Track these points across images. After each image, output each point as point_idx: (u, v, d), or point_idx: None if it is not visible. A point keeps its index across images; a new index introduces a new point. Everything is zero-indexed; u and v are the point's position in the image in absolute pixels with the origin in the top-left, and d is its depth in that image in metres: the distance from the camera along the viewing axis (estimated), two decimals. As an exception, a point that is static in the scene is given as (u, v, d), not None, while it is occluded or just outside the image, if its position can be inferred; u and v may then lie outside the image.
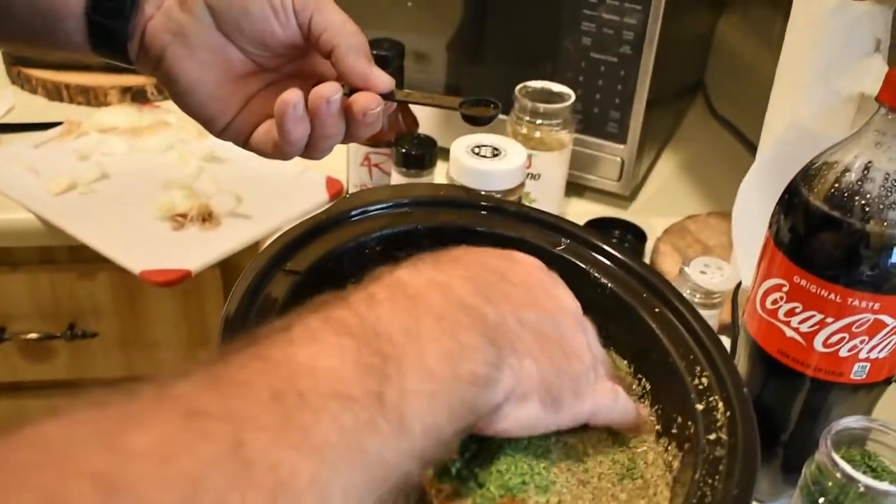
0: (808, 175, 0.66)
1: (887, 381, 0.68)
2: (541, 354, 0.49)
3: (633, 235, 1.08)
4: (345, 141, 0.62)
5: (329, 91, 0.57)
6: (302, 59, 0.63)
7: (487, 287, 0.49)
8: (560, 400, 0.50)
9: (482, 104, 0.60)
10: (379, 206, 0.69)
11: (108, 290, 1.18)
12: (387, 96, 0.59)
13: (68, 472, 0.30)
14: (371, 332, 0.42)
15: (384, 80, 0.60)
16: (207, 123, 0.63)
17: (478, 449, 0.52)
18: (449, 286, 0.47)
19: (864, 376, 0.66)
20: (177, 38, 0.59)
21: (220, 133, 0.63)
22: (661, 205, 1.21)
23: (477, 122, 0.61)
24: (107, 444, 0.31)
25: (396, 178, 1.02)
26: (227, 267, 1.12)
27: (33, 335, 1.19)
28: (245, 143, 0.64)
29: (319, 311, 0.43)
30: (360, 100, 0.58)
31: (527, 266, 0.55)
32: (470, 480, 0.50)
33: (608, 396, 0.54)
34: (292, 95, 0.57)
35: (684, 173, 1.30)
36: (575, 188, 1.17)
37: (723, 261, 0.86)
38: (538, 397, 0.49)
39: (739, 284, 0.89)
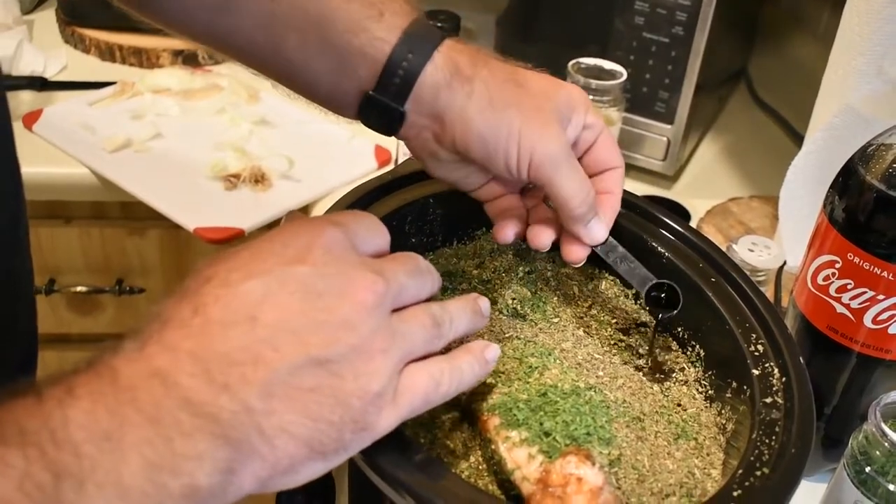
0: (865, 155, 0.67)
1: (932, 361, 0.70)
2: (301, 420, 0.41)
3: (676, 215, 1.09)
4: None
5: (542, 243, 0.63)
6: None
7: (226, 365, 0.40)
8: (344, 446, 0.43)
9: (666, 291, 0.62)
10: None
11: (156, 247, 1.20)
12: (600, 245, 0.62)
13: None
14: (51, 442, 0.36)
15: (596, 240, 0.62)
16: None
17: (543, 402, 0.54)
18: (174, 378, 0.39)
19: (912, 354, 0.68)
20: (431, 157, 0.63)
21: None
22: (703, 187, 1.23)
23: (657, 313, 0.63)
24: None
25: (447, 148, 1.04)
26: (276, 229, 1.14)
27: (82, 288, 1.22)
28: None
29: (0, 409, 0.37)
30: (571, 254, 0.62)
31: (298, 273, 0.44)
32: (536, 429, 0.51)
33: (420, 393, 0.46)
34: (506, 234, 0.64)
35: (726, 157, 1.31)
36: (620, 166, 1.19)
37: (770, 240, 0.88)
38: (311, 459, 0.43)
39: (784, 264, 0.91)
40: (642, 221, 0.69)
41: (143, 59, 1.39)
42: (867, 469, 0.63)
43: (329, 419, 0.42)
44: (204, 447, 0.39)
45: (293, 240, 0.45)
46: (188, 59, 1.38)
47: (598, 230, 0.61)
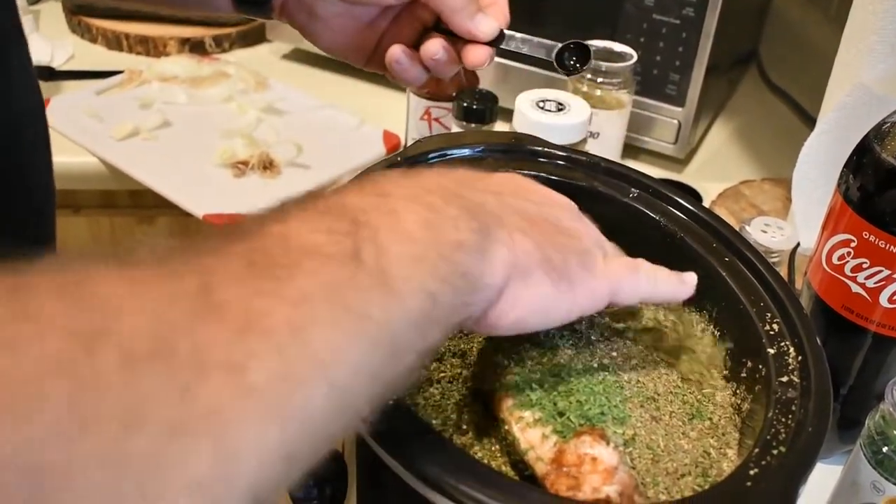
0: (880, 133, 0.66)
1: (949, 340, 0.69)
2: (533, 230, 0.46)
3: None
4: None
5: (431, 52, 0.65)
6: None
7: (464, 183, 0.46)
8: (569, 274, 0.47)
9: (576, 50, 0.64)
10: (454, 151, 0.70)
11: (166, 235, 1.20)
12: (495, 40, 0.64)
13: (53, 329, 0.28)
14: (341, 208, 0.39)
15: (488, 32, 0.64)
16: (352, 63, 0.72)
17: (556, 382, 0.53)
18: (420, 179, 0.44)
19: (928, 333, 0.67)
20: (310, 16, 0.68)
21: (365, 66, 0.72)
22: (715, 170, 1.22)
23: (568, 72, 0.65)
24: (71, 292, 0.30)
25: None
26: (285, 216, 1.13)
27: (92, 278, 1.22)
28: (383, 72, 0.71)
29: (293, 202, 0.41)
30: (471, 57, 0.65)
31: (515, 176, 0.51)
32: (550, 409, 0.51)
33: (626, 270, 0.51)
34: (395, 54, 0.66)
35: (737, 140, 1.30)
36: (631, 150, 1.18)
37: (783, 221, 0.87)
38: (543, 271, 0.45)
39: (797, 246, 0.90)
40: (654, 201, 0.68)
41: (150, 47, 1.38)
42: (884, 449, 0.62)
43: (555, 240, 0.46)
44: (457, 213, 0.42)
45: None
46: (195, 47, 1.38)
47: (486, 23, 0.64)
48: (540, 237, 0.46)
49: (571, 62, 0.64)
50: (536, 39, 0.65)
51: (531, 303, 0.45)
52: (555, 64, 0.64)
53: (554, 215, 0.48)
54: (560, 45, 0.64)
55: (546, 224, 0.47)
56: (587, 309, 0.49)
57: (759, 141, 1.30)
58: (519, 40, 0.65)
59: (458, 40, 0.66)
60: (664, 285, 0.53)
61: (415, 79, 0.67)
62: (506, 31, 0.65)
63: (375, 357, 0.36)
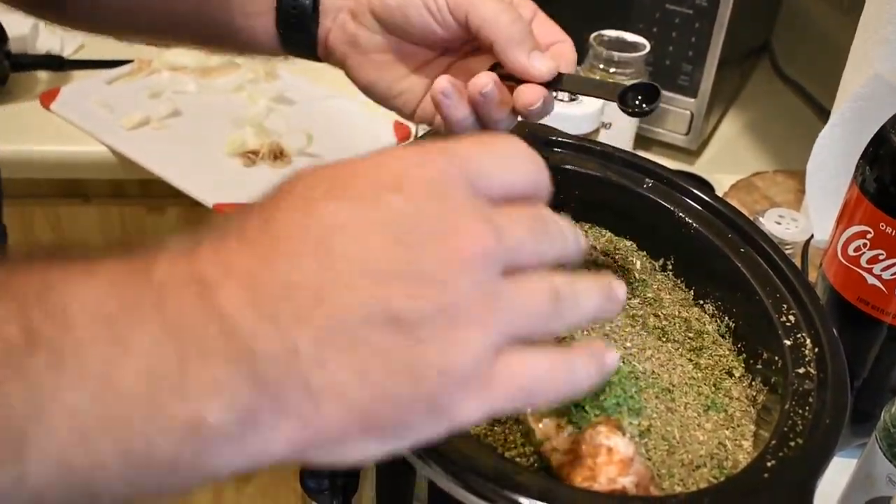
0: (897, 123, 0.66)
1: (965, 333, 0.68)
2: (356, 383, 0.33)
3: (700, 188, 1.08)
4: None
5: (480, 84, 0.58)
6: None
7: (281, 296, 0.32)
8: (406, 426, 0.34)
9: (642, 90, 0.60)
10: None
11: (176, 225, 1.20)
12: (552, 83, 0.59)
13: None
14: (37, 304, 0.30)
15: (544, 71, 0.58)
16: (397, 111, 0.66)
17: (571, 372, 0.53)
18: (214, 290, 0.32)
19: (945, 326, 0.66)
20: (353, 48, 0.64)
21: (410, 117, 0.66)
22: (727, 162, 1.22)
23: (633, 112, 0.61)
24: None
25: (467, 123, 1.03)
26: (295, 206, 1.13)
27: (101, 267, 1.22)
28: (432, 123, 0.65)
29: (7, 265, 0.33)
30: (522, 96, 0.59)
31: (389, 202, 0.34)
32: (565, 400, 0.51)
33: (523, 384, 0.35)
34: (440, 85, 0.59)
35: (749, 132, 1.30)
36: (642, 141, 1.17)
37: (797, 212, 0.87)
38: (366, 435, 0.34)
39: (811, 238, 0.89)
40: (669, 192, 0.68)
41: (160, 37, 1.38)
42: (900, 442, 0.62)
43: (391, 392, 0.33)
44: (222, 377, 0.31)
45: (391, 162, 0.36)
46: (205, 37, 1.38)
47: (542, 61, 0.58)
48: (367, 392, 0.33)
49: (636, 102, 0.59)
50: (598, 79, 0.62)
51: (344, 459, 0.35)
52: (618, 105, 0.59)
53: (412, 321, 0.33)
54: (626, 85, 0.59)
55: (394, 355, 0.33)
56: (445, 434, 0.36)
57: (771, 132, 1.29)
58: (579, 81, 0.61)
59: (512, 85, 0.60)
60: (582, 380, 0.38)
61: (460, 119, 0.59)
62: (565, 75, 0.60)
63: None
